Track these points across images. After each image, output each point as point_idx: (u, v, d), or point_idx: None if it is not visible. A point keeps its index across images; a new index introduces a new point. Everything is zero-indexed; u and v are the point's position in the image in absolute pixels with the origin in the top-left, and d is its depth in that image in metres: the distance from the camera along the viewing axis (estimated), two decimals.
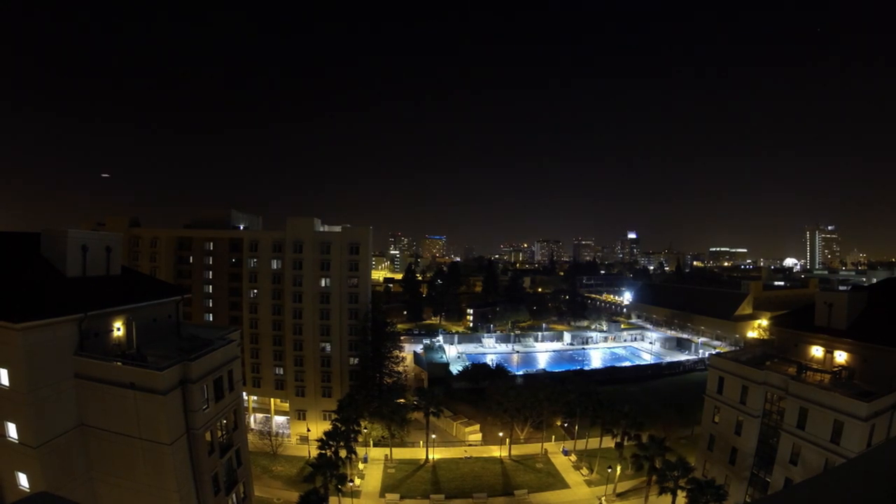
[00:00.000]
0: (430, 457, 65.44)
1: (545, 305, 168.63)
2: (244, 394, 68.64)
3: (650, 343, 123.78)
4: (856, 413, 33.84)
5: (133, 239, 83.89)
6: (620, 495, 56.07)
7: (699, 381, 70.01)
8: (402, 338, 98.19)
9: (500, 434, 67.65)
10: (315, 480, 47.19)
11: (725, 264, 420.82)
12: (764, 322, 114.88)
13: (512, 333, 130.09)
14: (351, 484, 54.66)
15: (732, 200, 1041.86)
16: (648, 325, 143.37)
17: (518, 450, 67.67)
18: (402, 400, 71.64)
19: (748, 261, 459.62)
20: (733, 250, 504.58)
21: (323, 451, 52.09)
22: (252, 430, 75.94)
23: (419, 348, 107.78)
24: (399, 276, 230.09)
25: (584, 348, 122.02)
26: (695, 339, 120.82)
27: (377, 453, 67.09)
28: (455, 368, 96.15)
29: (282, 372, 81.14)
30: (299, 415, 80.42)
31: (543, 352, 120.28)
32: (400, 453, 66.73)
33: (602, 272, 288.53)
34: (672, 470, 44.94)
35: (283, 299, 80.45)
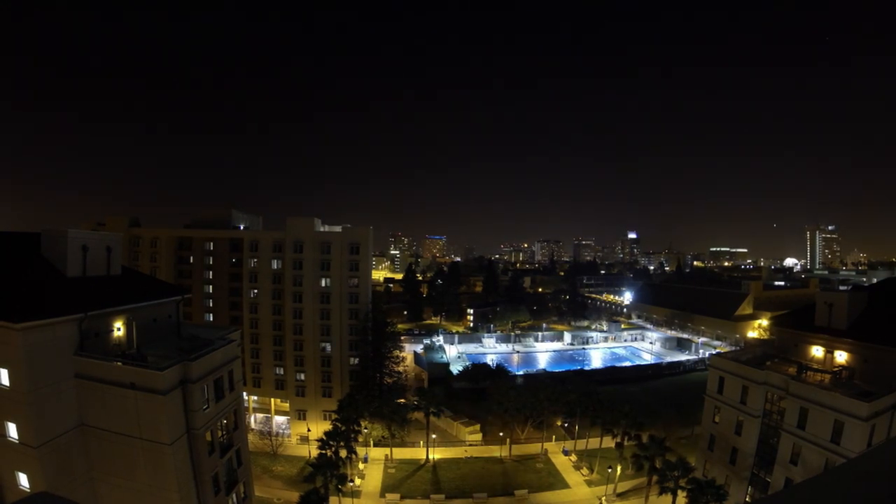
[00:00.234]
0: (431, 457, 65.45)
1: (545, 305, 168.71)
2: (244, 394, 68.68)
3: (650, 343, 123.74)
4: (856, 413, 33.79)
5: (133, 239, 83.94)
6: (621, 495, 56.07)
7: (699, 381, 69.94)
8: (402, 338, 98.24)
9: (501, 434, 67.64)
10: (315, 480, 47.19)
11: (726, 264, 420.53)
12: (764, 322, 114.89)
13: (512, 333, 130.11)
14: (351, 484, 54.67)
15: (733, 200, 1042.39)
16: (649, 325, 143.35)
17: (518, 450, 67.67)
18: (403, 400, 71.69)
19: (748, 261, 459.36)
20: (733, 250, 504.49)
21: (323, 451, 52.10)
22: (252, 430, 75.98)
23: (419, 348, 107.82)
24: (399, 276, 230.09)
25: (584, 348, 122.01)
26: (695, 339, 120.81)
27: (377, 453, 67.11)
28: (455, 368, 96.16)
29: (282, 372, 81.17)
30: (299, 415, 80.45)
31: (544, 352, 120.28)
32: (400, 453, 66.74)
33: (602, 272, 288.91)
34: (672, 470, 44.95)
35: (283, 299, 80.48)
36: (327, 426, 60.15)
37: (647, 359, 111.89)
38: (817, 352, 45.06)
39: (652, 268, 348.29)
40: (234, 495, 34.86)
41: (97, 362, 28.71)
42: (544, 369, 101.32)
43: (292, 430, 79.17)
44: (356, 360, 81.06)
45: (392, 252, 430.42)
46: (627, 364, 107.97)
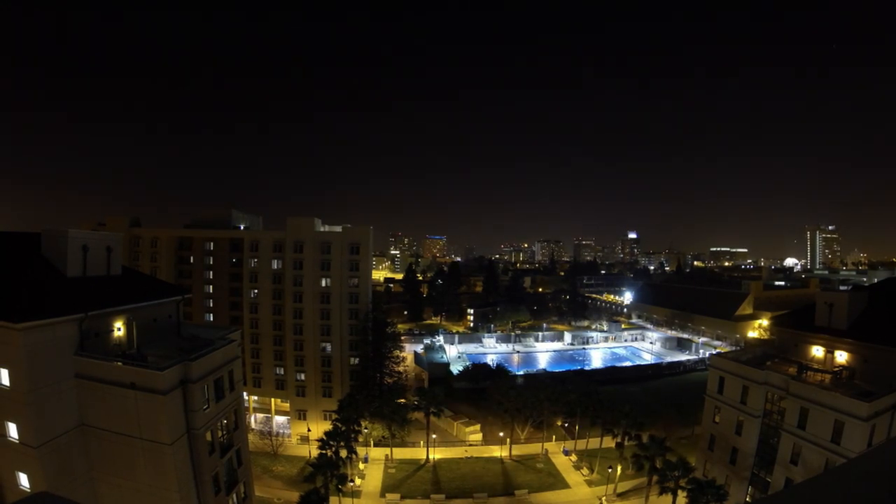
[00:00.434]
0: (431, 457, 65.45)
1: (546, 305, 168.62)
2: (245, 394, 68.72)
3: (651, 343, 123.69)
4: (856, 413, 33.78)
5: (133, 239, 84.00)
6: (621, 495, 56.06)
7: (700, 381, 69.91)
8: (402, 338, 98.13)
9: (501, 434, 67.65)
10: (315, 480, 47.21)
11: (726, 264, 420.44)
12: (764, 322, 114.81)
13: (512, 333, 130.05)
14: (351, 484, 54.68)
15: (733, 200, 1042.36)
16: (649, 325, 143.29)
17: (518, 450, 67.67)
18: (403, 400, 71.64)
19: (749, 261, 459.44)
20: (734, 250, 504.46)
21: (323, 451, 52.09)
22: (253, 430, 75.99)
23: (420, 348, 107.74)
24: (399, 276, 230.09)
25: (584, 348, 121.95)
26: (695, 339, 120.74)
27: (378, 453, 67.11)
28: (455, 368, 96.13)
29: (282, 372, 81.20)
30: (300, 415, 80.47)
31: (544, 352, 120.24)
32: (400, 453, 66.74)
33: (602, 272, 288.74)
34: (672, 470, 44.93)
35: (283, 299, 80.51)
36: (327, 426, 60.15)
37: (648, 359, 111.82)
38: (817, 352, 45.06)
39: (652, 268, 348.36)
40: (234, 495, 34.87)
41: (97, 362, 28.71)
42: (544, 369, 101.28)
43: (292, 430, 79.19)
44: (356, 360, 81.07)
45: (392, 252, 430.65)
46: (628, 364, 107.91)
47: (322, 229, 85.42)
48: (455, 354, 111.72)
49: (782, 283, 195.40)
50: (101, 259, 35.04)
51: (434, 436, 67.87)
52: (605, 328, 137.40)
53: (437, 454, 66.52)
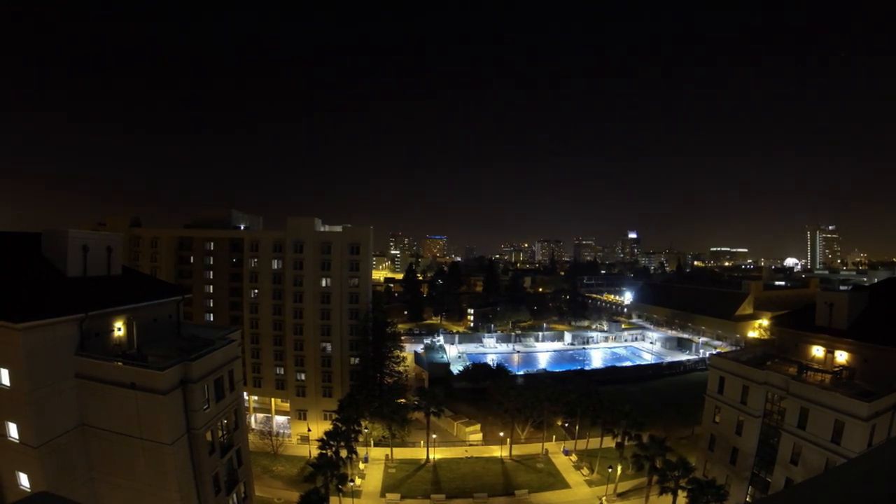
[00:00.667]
0: (431, 457, 65.46)
1: (546, 305, 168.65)
2: (245, 394, 68.69)
3: (651, 343, 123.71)
4: (856, 413, 33.78)
5: (134, 239, 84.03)
6: (621, 495, 56.06)
7: (700, 381, 69.93)
8: (402, 338, 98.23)
9: (501, 434, 67.65)
10: (316, 480, 47.22)
11: (726, 264, 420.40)
12: (765, 322, 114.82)
13: (512, 333, 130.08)
14: (352, 484, 54.68)
15: (733, 200, 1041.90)
16: (649, 325, 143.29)
17: (519, 450, 67.67)
18: (403, 400, 71.66)
19: (749, 261, 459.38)
20: (734, 250, 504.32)
21: (323, 451, 52.11)
22: (253, 429, 75.98)
23: (420, 348, 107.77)
24: (400, 276, 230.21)
25: (584, 348, 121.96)
26: (695, 338, 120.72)
27: (378, 453, 67.12)
28: (456, 368, 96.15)
29: (282, 372, 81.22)
30: (300, 415, 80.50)
31: (544, 352, 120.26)
32: (401, 453, 66.75)
33: (603, 272, 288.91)
34: (673, 470, 44.94)
35: (283, 299, 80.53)
36: (328, 426, 60.18)
37: (648, 359, 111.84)
38: (818, 352, 45.06)
39: (652, 268, 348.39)
40: (234, 495, 34.89)
41: (98, 362, 28.73)
42: (545, 369, 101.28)
43: (293, 429, 79.21)
44: (357, 360, 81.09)
45: (392, 252, 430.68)
46: (628, 364, 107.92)
47: (322, 229, 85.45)
48: (455, 354, 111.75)
49: (782, 283, 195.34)
50: (102, 259, 35.07)
51: (434, 436, 67.88)
52: (606, 328, 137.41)
53: (437, 454, 66.53)
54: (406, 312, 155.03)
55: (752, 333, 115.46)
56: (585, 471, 62.12)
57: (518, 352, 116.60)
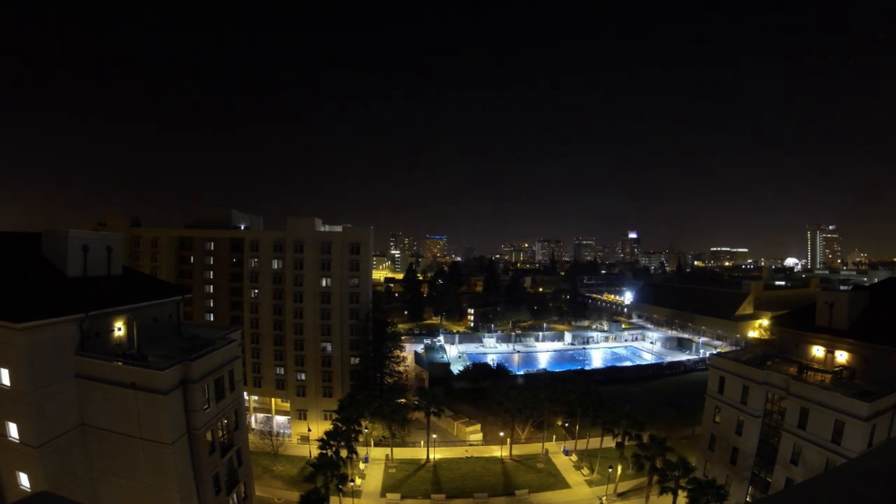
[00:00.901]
0: (431, 457, 65.47)
1: (546, 305, 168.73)
2: (245, 393, 68.67)
3: (651, 343, 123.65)
4: (857, 413, 33.77)
5: (134, 239, 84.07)
6: (621, 495, 56.06)
7: (700, 380, 69.96)
8: (402, 337, 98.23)
9: (501, 434, 67.65)
10: (316, 480, 47.22)
11: (726, 264, 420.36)
12: (765, 322, 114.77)
13: (513, 333, 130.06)
14: (352, 484, 54.71)
15: (733, 200, 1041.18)
16: (649, 325, 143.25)
17: (519, 450, 67.67)
18: (403, 400, 71.72)
19: (749, 260, 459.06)
20: (734, 250, 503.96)
21: (324, 451, 52.10)
22: (253, 429, 75.99)
23: (420, 348, 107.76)
24: (400, 276, 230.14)
25: (584, 348, 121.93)
26: (696, 338, 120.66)
27: (378, 453, 67.14)
28: (456, 368, 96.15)
29: (283, 372, 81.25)
30: (300, 414, 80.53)
31: (544, 352, 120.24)
32: (401, 453, 66.77)
33: (603, 272, 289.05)
34: (673, 470, 44.93)
35: (283, 299, 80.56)
36: (328, 426, 60.21)
37: (648, 359, 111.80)
38: (818, 352, 45.03)
39: (652, 267, 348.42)
40: (234, 495, 34.92)
41: (98, 362, 28.76)
42: (545, 369, 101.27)
43: (293, 429, 79.24)
44: (357, 360, 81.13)
45: (392, 252, 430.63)
46: (628, 364, 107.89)
47: (322, 229, 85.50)
48: (455, 354, 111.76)
49: (783, 282, 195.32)
50: (102, 259, 35.09)
51: (434, 436, 67.90)
52: (606, 328, 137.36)
53: (437, 454, 66.54)
54: (406, 312, 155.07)
55: (753, 333, 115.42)
56: (586, 471, 62.13)
57: (518, 352, 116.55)
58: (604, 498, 55.30)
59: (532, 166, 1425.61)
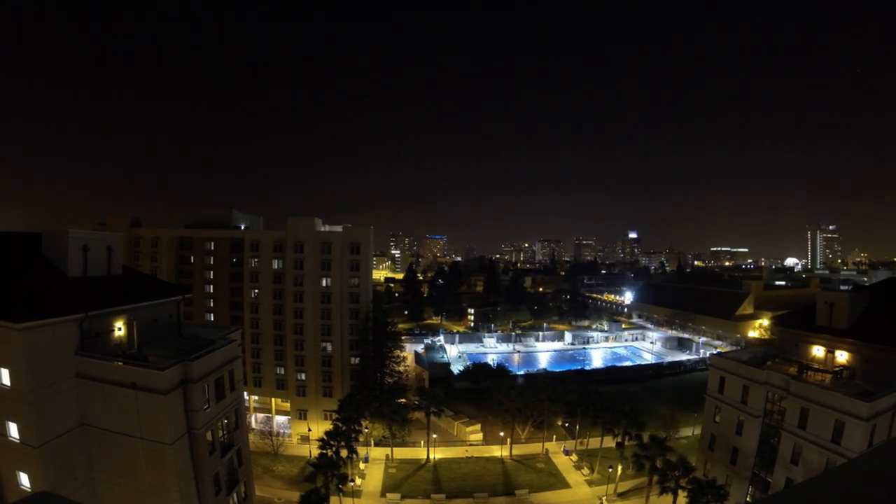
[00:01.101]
0: (431, 456, 65.46)
1: (546, 305, 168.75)
2: (245, 393, 68.68)
3: (651, 343, 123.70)
4: (857, 413, 33.74)
5: (134, 239, 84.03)
6: (621, 495, 56.05)
7: (700, 380, 69.93)
8: (403, 337, 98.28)
9: (501, 434, 67.65)
10: (316, 480, 47.22)
11: (726, 264, 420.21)
12: (765, 322, 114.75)
13: (513, 333, 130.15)
14: (352, 484, 54.71)
15: (733, 200, 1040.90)
16: (649, 325, 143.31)
17: (519, 449, 67.67)
18: (403, 400, 71.71)
19: (749, 260, 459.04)
20: (734, 250, 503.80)
21: (324, 451, 52.10)
22: (253, 429, 75.97)
23: (420, 348, 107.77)
24: (400, 276, 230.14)
25: (584, 348, 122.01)
26: (696, 338, 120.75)
27: (378, 453, 67.13)
28: (456, 368, 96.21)
29: (283, 372, 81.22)
30: (300, 414, 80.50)
31: (544, 351, 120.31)
32: (401, 453, 66.76)
33: (603, 272, 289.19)
34: (673, 470, 44.91)
35: (284, 299, 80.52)
36: (328, 426, 60.17)
37: (648, 358, 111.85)
38: (818, 352, 45.01)
39: (653, 267, 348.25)
40: (234, 495, 34.92)
41: (98, 362, 28.76)
42: (545, 369, 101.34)
43: (293, 429, 79.22)
44: (357, 360, 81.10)
45: (393, 252, 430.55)
46: (628, 364, 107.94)
47: (322, 229, 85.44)
48: (455, 354, 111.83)
49: (783, 282, 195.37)
50: (102, 259, 35.09)
51: (434, 436, 67.89)
52: (606, 328, 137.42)
53: (437, 454, 66.53)
54: (406, 312, 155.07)
55: (753, 333, 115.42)
56: (586, 470, 62.12)
57: (518, 352, 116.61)
58: (604, 498, 55.29)
59: (532, 166, 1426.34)
